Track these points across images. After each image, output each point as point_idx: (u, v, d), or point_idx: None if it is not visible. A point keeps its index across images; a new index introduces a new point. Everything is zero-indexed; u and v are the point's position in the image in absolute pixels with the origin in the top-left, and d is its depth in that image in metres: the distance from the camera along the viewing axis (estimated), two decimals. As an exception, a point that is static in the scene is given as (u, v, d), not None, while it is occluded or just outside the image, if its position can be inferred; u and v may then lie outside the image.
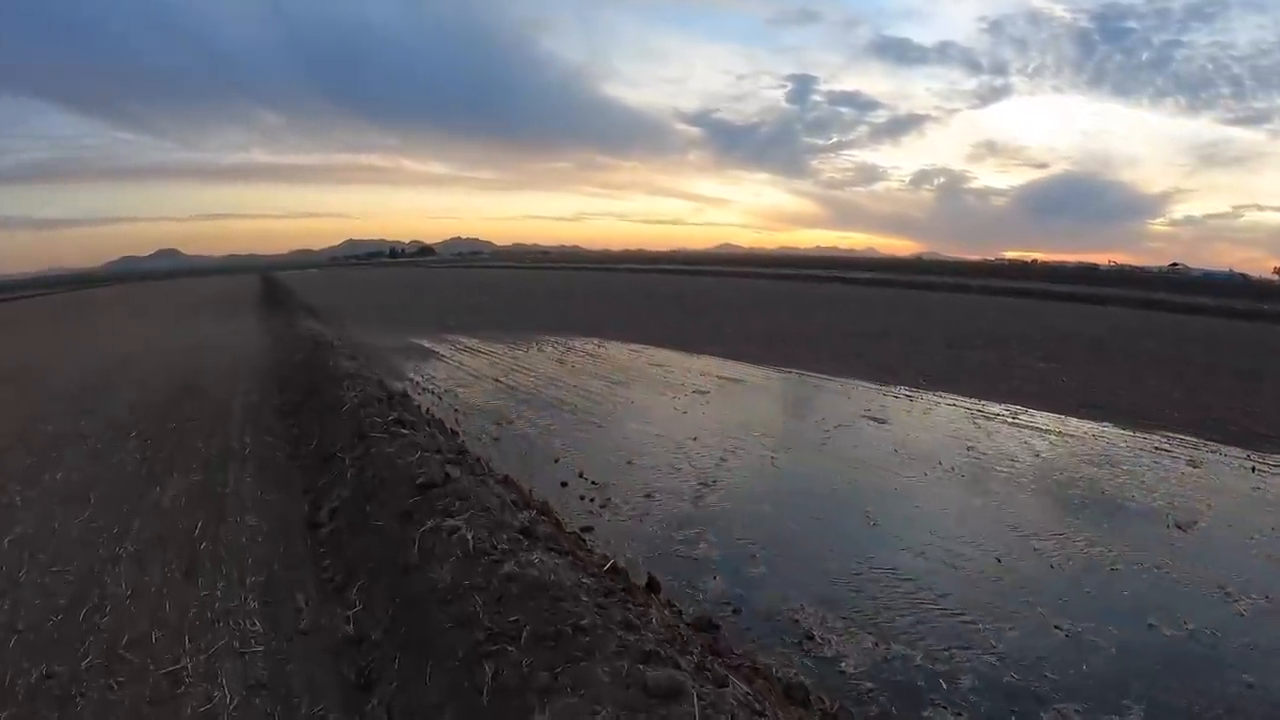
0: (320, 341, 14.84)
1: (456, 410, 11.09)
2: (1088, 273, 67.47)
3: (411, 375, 14.03)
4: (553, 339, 20.53)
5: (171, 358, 16.41)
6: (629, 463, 8.69)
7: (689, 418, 11.03)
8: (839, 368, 15.12)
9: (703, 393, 12.84)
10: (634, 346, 18.93)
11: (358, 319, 25.93)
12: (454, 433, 9.42)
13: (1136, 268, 78.17)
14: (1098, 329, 24.02)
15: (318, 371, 11.93)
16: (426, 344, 19.21)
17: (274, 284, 53.71)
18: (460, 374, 14.40)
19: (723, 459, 8.76)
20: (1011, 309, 33.18)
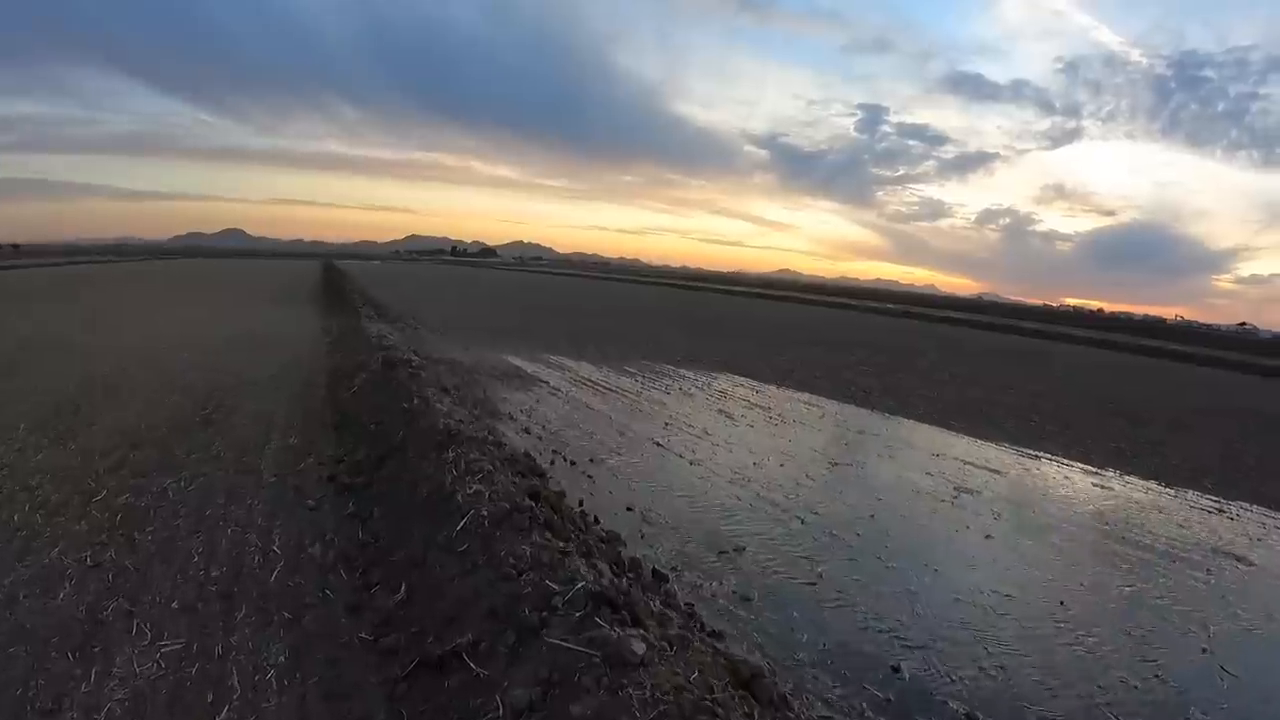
0: (393, 358, 10.68)
1: (646, 523, 6.67)
2: (1196, 332, 61.67)
3: (531, 426, 9.72)
4: (681, 371, 16.19)
5: (205, 356, 12.66)
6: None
7: (995, 550, 6.48)
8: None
9: (991, 512, 8.24)
10: (802, 396, 14.39)
11: (431, 323, 22.00)
12: (693, 615, 4.88)
13: (1206, 325, 71.13)
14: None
15: (395, 412, 7.80)
16: (525, 366, 15.03)
17: (336, 273, 50.60)
18: (602, 429, 10.04)
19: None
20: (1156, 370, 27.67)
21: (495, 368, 14.54)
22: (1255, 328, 72.06)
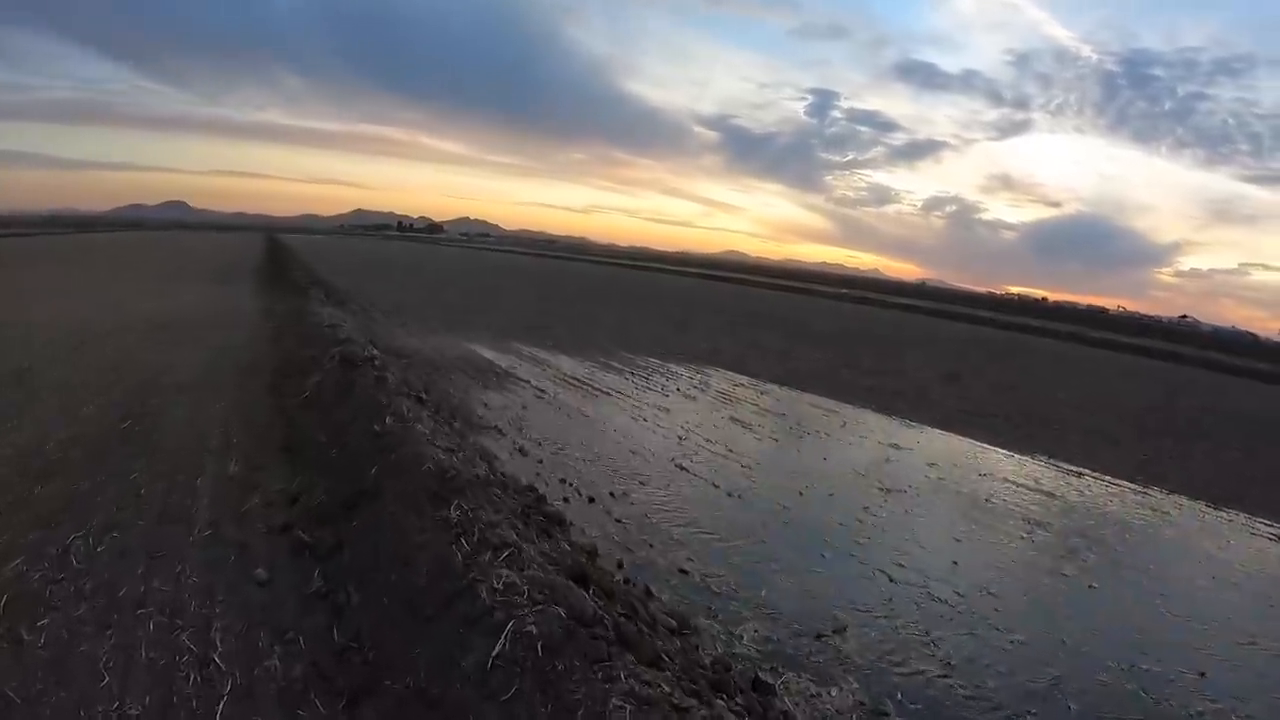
0: (352, 355, 8.83)
1: (711, 592, 5.16)
2: (1138, 324, 63.39)
3: (526, 444, 8.07)
4: (670, 367, 14.68)
5: (131, 347, 10.63)
6: None
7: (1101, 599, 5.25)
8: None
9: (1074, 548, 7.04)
10: (809, 398, 13.06)
11: (384, 304, 19.85)
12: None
13: (1149, 316, 73.60)
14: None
15: (363, 433, 6.09)
16: (498, 360, 13.27)
17: (281, 248, 46.79)
18: (609, 446, 8.46)
19: None
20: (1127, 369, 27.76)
21: (464, 361, 12.76)
22: (1196, 320, 74.75)
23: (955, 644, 4.75)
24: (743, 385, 13.64)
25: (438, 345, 13.83)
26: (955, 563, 6.15)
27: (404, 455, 5.36)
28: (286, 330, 12.24)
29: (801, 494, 7.42)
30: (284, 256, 35.46)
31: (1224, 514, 8.80)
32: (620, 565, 5.09)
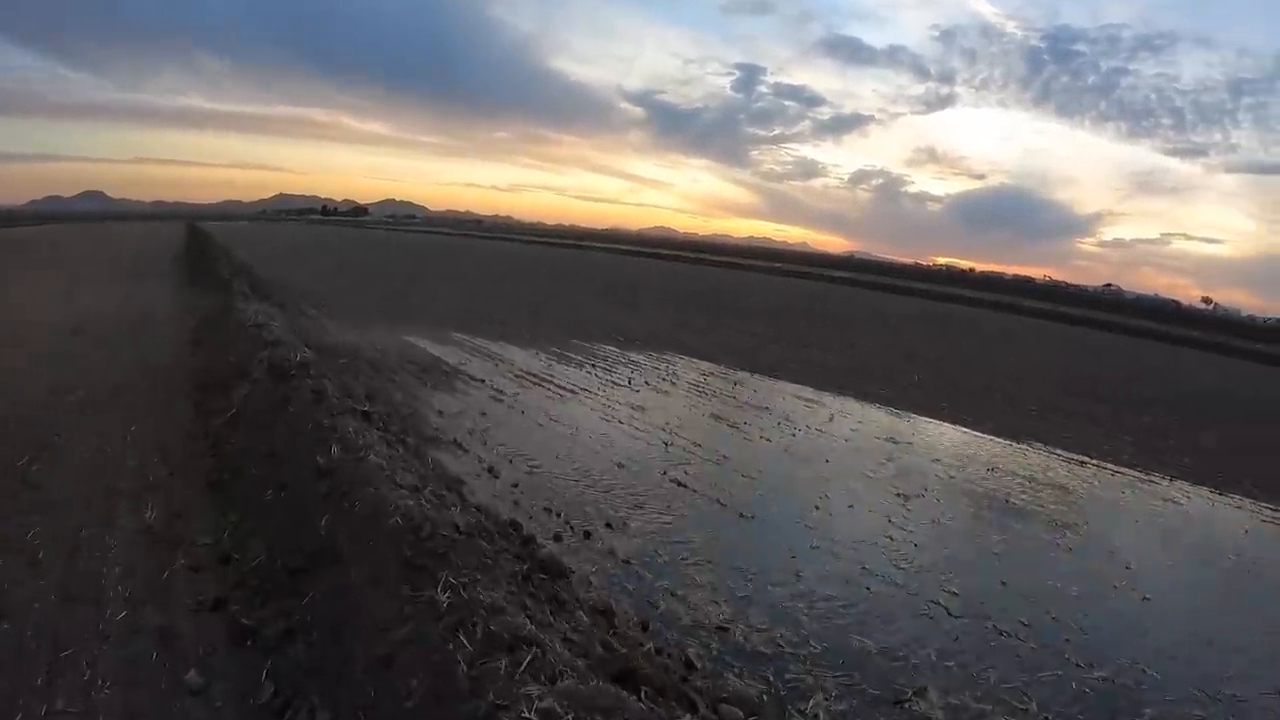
0: (283, 361, 7.46)
1: (763, 660, 4.17)
2: (1069, 294, 65.93)
3: (496, 462, 6.96)
4: (630, 356, 13.70)
5: (31, 357, 9.04)
6: None
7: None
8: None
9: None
10: (789, 388, 12.32)
11: (314, 295, 18.05)
12: None
13: (1074, 285, 77.07)
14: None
15: (305, 466, 4.92)
16: (444, 356, 12.02)
17: (202, 237, 42.52)
18: (590, 458, 7.43)
19: None
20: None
21: (407, 358, 11.44)
22: (1120, 289, 78.36)
23: (1047, 693, 4.00)
24: (713, 375, 12.79)
25: (375, 340, 12.42)
26: (1004, 584, 5.43)
27: (362, 502, 4.20)
28: (209, 331, 10.61)
29: (818, 508, 6.60)
30: (205, 246, 32.31)
31: None
32: (645, 628, 4.10)
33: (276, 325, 9.44)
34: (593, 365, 12.48)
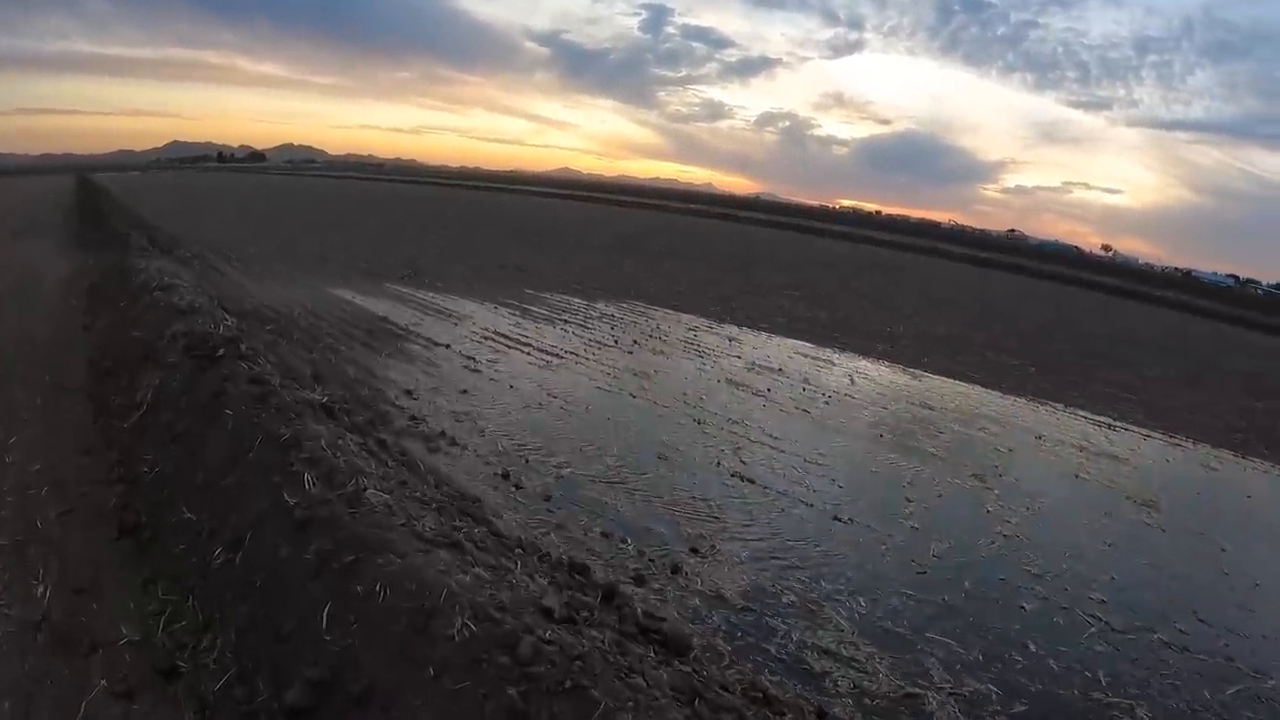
0: (204, 337, 5.51)
1: None
2: (972, 238, 67.71)
3: (511, 465, 5.40)
4: (600, 307, 12.22)
5: None
6: None
7: None
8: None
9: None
10: (788, 343, 11.11)
11: (223, 248, 15.30)
12: None
13: (978, 229, 79.87)
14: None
15: (260, 495, 3.18)
16: (388, 312, 10.16)
17: (93, 190, 36.36)
18: (612, 444, 5.98)
19: None
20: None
21: (346, 318, 9.50)
22: (1023, 234, 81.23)
23: None
24: (701, 330, 11.46)
25: (301, 297, 10.32)
26: (1181, 596, 4.39)
27: (389, 586, 2.60)
28: (106, 299, 8.22)
29: (909, 502, 5.40)
30: (97, 199, 27.41)
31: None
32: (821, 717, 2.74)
33: (185, 286, 7.31)
34: (565, 321, 10.86)
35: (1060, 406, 9.65)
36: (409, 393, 6.65)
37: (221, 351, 5.23)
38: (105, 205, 23.82)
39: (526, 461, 5.33)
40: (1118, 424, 9.18)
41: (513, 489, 4.82)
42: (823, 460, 6.20)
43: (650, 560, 4.14)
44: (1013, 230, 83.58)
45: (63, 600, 3.07)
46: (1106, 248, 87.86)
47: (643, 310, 12.60)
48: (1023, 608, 4.26)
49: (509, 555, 3.43)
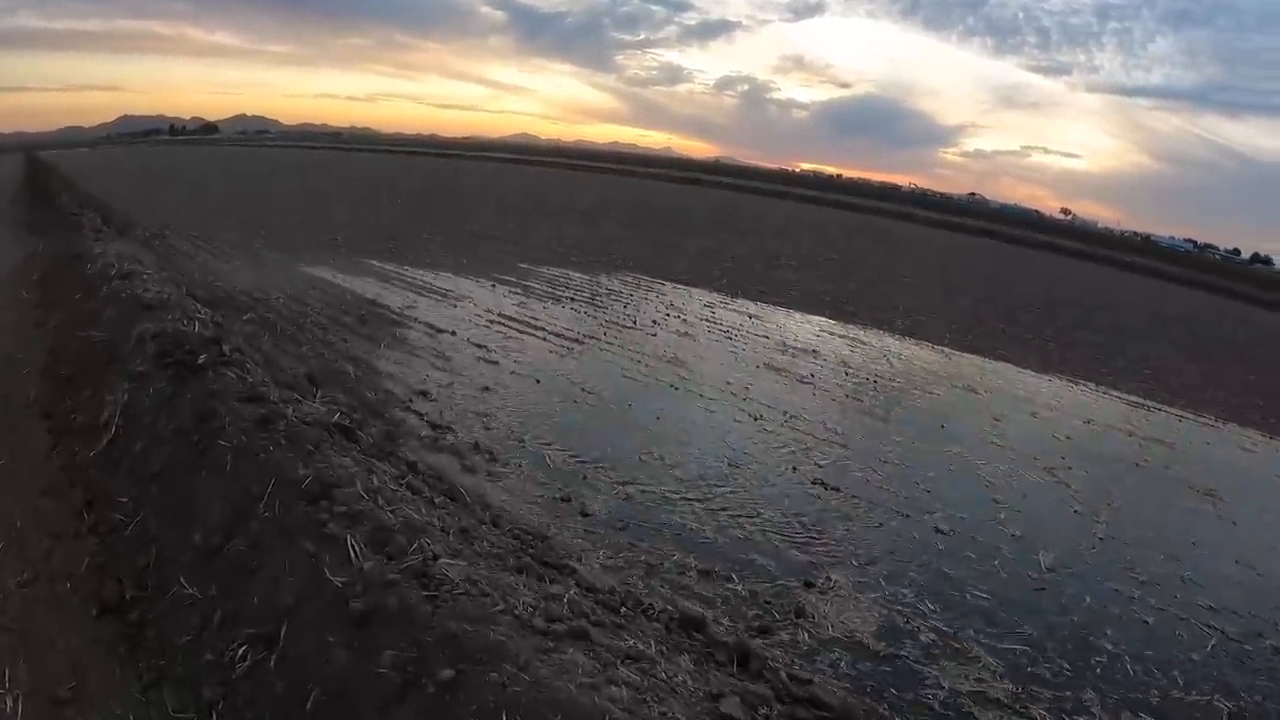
0: (177, 337, 4.51)
1: None
2: (942, 202, 67.65)
3: (555, 481, 4.57)
4: (599, 279, 11.39)
5: None
6: None
7: None
8: None
9: None
10: (819, 321, 10.44)
11: (183, 226, 13.89)
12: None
13: (939, 192, 79.62)
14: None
15: (318, 613, 2.29)
16: (377, 294, 9.21)
17: (42, 168, 33.43)
18: (704, 473, 5.13)
19: None
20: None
21: (331, 302, 8.54)
22: (984, 197, 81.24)
23: None
24: (717, 305, 10.69)
25: (280, 279, 9.26)
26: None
27: (508, 706, 1.79)
28: (58, 290, 7.02)
29: (997, 504, 4.74)
30: (45, 178, 25.09)
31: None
32: None
33: (148, 273, 6.23)
34: (571, 299, 9.99)
35: (1093, 385, 9.34)
36: (423, 393, 5.76)
37: (202, 358, 4.25)
38: (55, 184, 21.82)
39: (584, 478, 4.52)
40: (1148, 404, 8.87)
41: (579, 516, 4.01)
42: (894, 458, 5.60)
43: (766, 603, 3.44)
44: (974, 193, 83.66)
45: (40, 716, 2.22)
46: (1066, 211, 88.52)
47: (648, 284, 11.77)
48: (1145, 622, 3.95)
49: (625, 624, 2.64)
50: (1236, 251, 55.41)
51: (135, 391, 4.15)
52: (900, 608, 3.61)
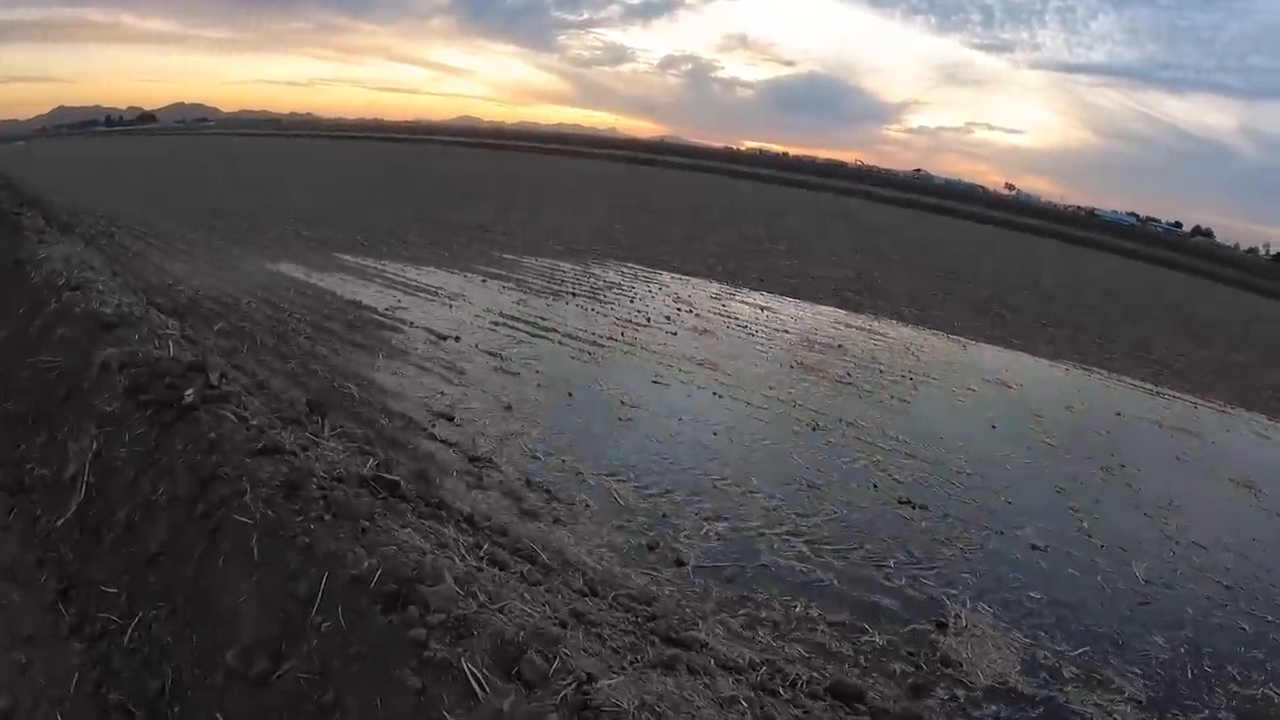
0: (159, 370, 3.66)
1: None
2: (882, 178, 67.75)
3: (636, 539, 3.86)
4: (591, 270, 10.71)
5: None
6: None
7: None
8: None
9: None
10: (830, 312, 9.98)
11: (131, 223, 12.59)
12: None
13: (884, 169, 79.95)
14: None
15: None
16: (360, 294, 8.35)
17: None
18: (806, 524, 4.48)
19: None
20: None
21: (312, 305, 7.70)
22: (928, 173, 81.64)
23: None
24: (724, 296, 10.14)
25: (247, 280, 8.32)
26: None
27: None
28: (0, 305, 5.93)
29: (1075, 513, 4.42)
30: None
31: None
32: None
33: (102, 281, 5.27)
34: (571, 294, 9.29)
35: (1105, 373, 9.24)
36: (447, 417, 5.00)
37: (189, 394, 3.40)
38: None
39: (663, 515, 3.87)
40: (1160, 390, 8.82)
41: (674, 567, 3.37)
42: (964, 466, 5.25)
43: (909, 654, 3.02)
44: (919, 170, 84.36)
45: None
46: (1010, 186, 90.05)
47: (645, 274, 11.12)
48: (1243, 629, 3.87)
49: (791, 704, 2.03)
50: (1178, 224, 57.25)
51: (108, 440, 3.32)
52: (1033, 642, 3.32)
